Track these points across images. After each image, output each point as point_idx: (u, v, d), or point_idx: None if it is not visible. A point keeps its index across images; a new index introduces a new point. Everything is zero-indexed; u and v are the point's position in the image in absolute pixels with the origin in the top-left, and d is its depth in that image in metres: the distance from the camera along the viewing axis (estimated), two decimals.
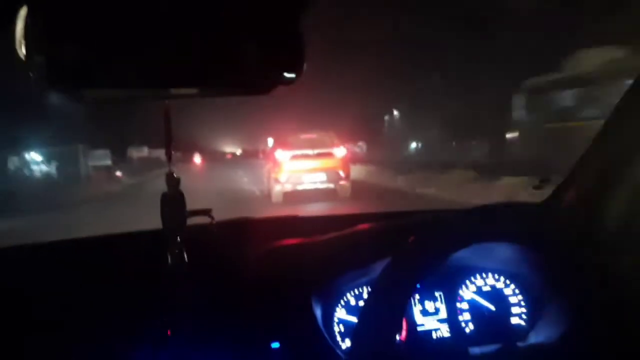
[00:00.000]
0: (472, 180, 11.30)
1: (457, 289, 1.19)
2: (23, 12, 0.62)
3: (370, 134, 32.68)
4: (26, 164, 24.00)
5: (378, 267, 0.87)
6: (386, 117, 34.28)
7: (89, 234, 1.30)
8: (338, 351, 1.04)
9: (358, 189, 11.60)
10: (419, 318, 1.16)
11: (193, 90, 0.76)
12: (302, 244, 1.17)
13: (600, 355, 0.88)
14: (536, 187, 1.51)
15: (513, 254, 1.07)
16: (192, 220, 1.14)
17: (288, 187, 10.58)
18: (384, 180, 15.06)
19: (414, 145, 29.93)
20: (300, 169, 10.57)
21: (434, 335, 1.16)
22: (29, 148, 23.45)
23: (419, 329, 1.16)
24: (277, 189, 10.61)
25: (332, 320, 1.12)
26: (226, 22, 0.67)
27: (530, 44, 13.92)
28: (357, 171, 17.63)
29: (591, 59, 11.72)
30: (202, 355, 0.98)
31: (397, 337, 1.12)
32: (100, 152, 27.53)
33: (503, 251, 1.08)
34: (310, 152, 10.76)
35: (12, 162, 23.20)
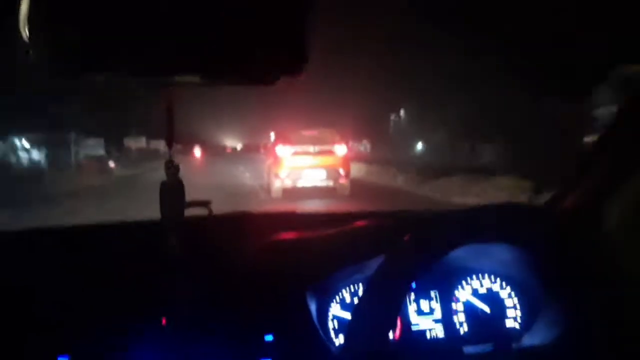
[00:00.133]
0: (531, 191, 8.22)
1: (453, 290, 1.19)
2: None
3: (376, 132, 32.01)
4: (12, 149, 22.06)
5: (374, 264, 0.87)
6: (392, 117, 33.61)
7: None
8: (331, 347, 1.03)
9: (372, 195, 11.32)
10: (413, 317, 1.16)
11: (196, 78, 0.76)
12: (298, 239, 1.17)
13: (595, 355, 0.88)
14: None
15: (510, 255, 1.07)
16: (191, 212, 1.14)
17: (288, 183, 10.59)
18: (406, 186, 13.54)
19: (420, 146, 29.46)
20: (301, 165, 10.58)
21: (428, 335, 1.16)
22: (16, 132, 21.60)
23: (414, 328, 1.16)
24: (277, 184, 10.62)
25: (326, 316, 1.12)
26: (232, 11, 0.67)
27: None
28: (366, 171, 17.31)
29: None
30: (195, 345, 0.98)
31: (391, 336, 1.13)
32: (92, 141, 26.10)
33: (500, 253, 1.08)
34: (311, 148, 10.76)
35: None
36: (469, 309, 1.18)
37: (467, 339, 1.15)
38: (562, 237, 0.94)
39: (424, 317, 1.17)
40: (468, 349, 1.04)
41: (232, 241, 1.15)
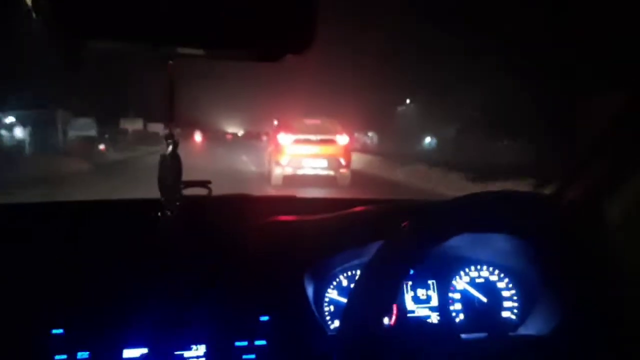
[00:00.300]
0: None
1: (451, 279, 1.19)
2: None
3: (383, 124, 30.79)
4: None
5: (372, 250, 0.86)
6: (401, 107, 32.17)
7: None
8: (327, 330, 1.04)
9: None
10: (410, 305, 1.16)
11: (199, 51, 0.74)
12: (297, 221, 1.17)
13: (592, 350, 0.88)
14: None
15: (510, 246, 1.06)
16: (190, 192, 1.13)
17: (289, 171, 10.60)
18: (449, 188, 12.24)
19: (428, 140, 28.43)
20: (302, 153, 10.58)
21: (423, 322, 1.16)
22: None
23: (410, 315, 1.16)
24: (278, 171, 10.63)
25: (323, 300, 1.13)
26: None
27: None
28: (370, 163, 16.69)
29: None
30: (191, 324, 0.98)
31: (387, 322, 1.13)
32: (83, 121, 23.71)
33: (499, 242, 1.08)
34: (313, 137, 10.76)
35: None
36: (466, 298, 1.18)
37: (463, 327, 1.16)
38: (563, 230, 0.94)
39: (421, 305, 1.17)
40: (463, 337, 1.04)
41: (230, 222, 1.15)
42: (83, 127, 23.71)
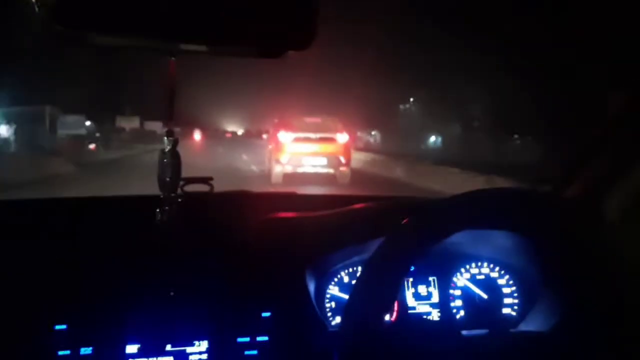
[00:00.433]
0: None
1: (451, 276, 1.19)
2: None
3: (386, 122, 30.04)
4: None
5: (373, 247, 0.86)
6: (405, 105, 31.49)
7: None
8: (328, 326, 1.04)
9: None
10: (411, 301, 1.17)
11: (201, 47, 0.75)
12: (298, 218, 1.17)
13: (592, 347, 0.88)
14: None
15: (510, 243, 1.07)
16: (192, 189, 1.14)
17: (288, 169, 10.62)
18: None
19: (432, 138, 27.71)
20: (302, 151, 10.60)
21: (424, 319, 1.17)
22: None
23: (411, 312, 1.16)
24: (278, 169, 10.65)
25: (324, 296, 1.13)
26: None
27: None
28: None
29: None
30: (192, 320, 0.98)
31: (388, 318, 1.13)
32: (72, 119, 21.88)
33: (499, 239, 1.08)
34: (313, 135, 10.78)
35: None
36: (467, 295, 1.19)
37: (463, 324, 1.16)
38: (564, 227, 0.94)
39: (421, 302, 1.17)
40: (464, 333, 1.05)
41: (232, 218, 1.15)
42: (72, 125, 22.03)
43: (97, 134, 23.84)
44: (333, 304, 1.13)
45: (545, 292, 1.07)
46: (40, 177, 10.18)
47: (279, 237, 1.10)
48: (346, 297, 1.12)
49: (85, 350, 0.92)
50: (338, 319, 1.12)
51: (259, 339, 0.99)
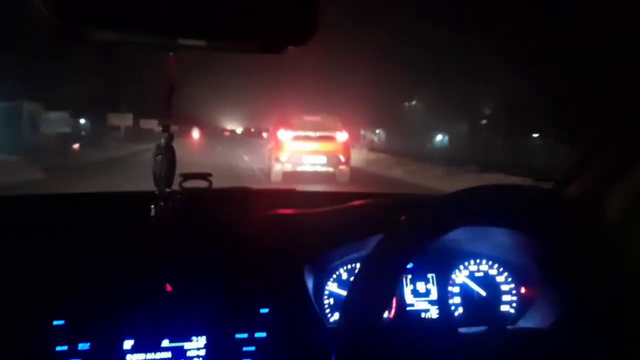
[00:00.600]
0: None
1: (450, 273, 1.19)
2: None
3: (391, 120, 29.19)
4: None
5: (371, 243, 0.86)
6: (410, 103, 30.63)
7: None
8: (326, 323, 1.04)
9: None
10: (409, 298, 1.17)
11: (200, 42, 0.74)
12: (297, 215, 1.17)
13: (590, 345, 0.88)
14: None
15: (510, 240, 1.07)
16: (191, 185, 1.14)
17: (288, 167, 10.65)
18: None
19: (439, 137, 26.82)
20: (302, 150, 10.62)
21: (423, 316, 1.17)
22: None
23: (409, 308, 1.16)
24: (277, 168, 10.67)
25: (322, 293, 1.13)
26: None
27: None
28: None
29: None
30: (190, 316, 0.98)
31: (387, 315, 1.13)
32: (56, 116, 20.22)
33: (499, 237, 1.08)
34: (312, 134, 10.80)
35: None
36: (465, 292, 1.19)
37: (462, 321, 1.16)
38: (564, 225, 0.94)
39: (420, 299, 1.17)
40: (462, 330, 1.05)
41: (231, 214, 1.15)
42: (56, 123, 20.13)
43: (83, 132, 22.32)
44: (331, 301, 1.13)
45: (544, 290, 1.07)
46: None
47: (277, 233, 1.10)
48: (345, 293, 1.12)
49: (83, 346, 0.92)
50: (336, 316, 1.12)
51: (257, 335, 0.99)
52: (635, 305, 0.88)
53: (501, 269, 1.20)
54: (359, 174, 11.74)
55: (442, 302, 1.18)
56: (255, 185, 1.38)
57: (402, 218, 0.84)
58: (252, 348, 0.99)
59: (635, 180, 1.07)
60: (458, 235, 0.91)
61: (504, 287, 1.20)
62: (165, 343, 0.96)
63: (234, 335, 0.98)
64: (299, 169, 10.68)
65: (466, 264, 1.20)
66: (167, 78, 0.96)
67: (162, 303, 0.97)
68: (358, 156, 16.69)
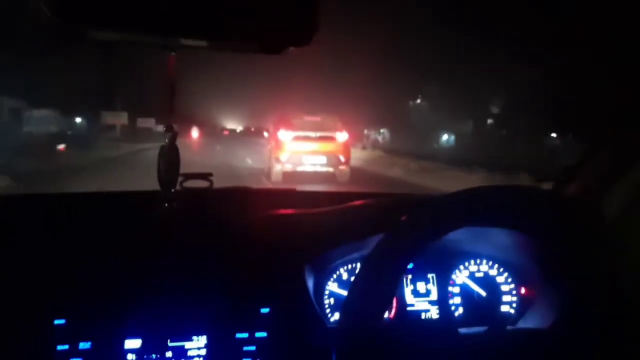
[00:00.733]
0: None
1: (450, 273, 1.20)
2: None
3: (396, 120, 27.99)
4: None
5: (372, 243, 0.86)
6: (417, 102, 29.53)
7: None
8: (327, 322, 1.04)
9: None
10: (409, 298, 1.17)
11: (201, 42, 0.74)
12: (298, 214, 1.17)
13: (590, 345, 0.88)
14: None
15: (510, 240, 1.07)
16: (191, 184, 1.14)
17: (288, 167, 10.65)
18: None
19: (445, 137, 25.96)
20: (302, 150, 10.62)
21: (423, 316, 1.17)
22: None
23: (409, 308, 1.16)
24: (277, 168, 10.67)
25: (323, 292, 1.13)
26: None
27: None
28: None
29: None
30: (191, 315, 0.98)
31: (387, 315, 1.14)
32: (40, 114, 18.72)
33: (499, 237, 1.08)
34: (312, 134, 10.81)
35: None
36: (465, 292, 1.19)
37: (462, 321, 1.16)
38: (564, 225, 0.94)
39: (420, 299, 1.17)
40: (462, 330, 1.05)
41: (231, 214, 1.15)
42: (41, 122, 18.41)
43: (69, 132, 20.00)
44: (332, 301, 1.14)
45: (544, 290, 1.07)
46: None
47: (278, 233, 1.10)
48: (345, 293, 1.12)
49: (84, 345, 0.92)
50: (337, 316, 1.12)
51: (257, 334, 0.99)
52: (635, 305, 0.88)
53: (501, 269, 1.20)
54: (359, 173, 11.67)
55: (442, 302, 1.18)
56: (255, 186, 1.38)
57: (403, 218, 0.84)
58: (253, 348, 0.99)
59: (635, 180, 1.08)
60: (458, 236, 0.91)
61: (504, 288, 1.20)
62: (166, 343, 0.96)
63: (234, 335, 0.98)
64: (299, 169, 10.68)
65: (466, 264, 1.20)
66: (168, 77, 0.96)
67: (162, 303, 0.97)
68: (361, 155, 16.29)
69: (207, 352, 0.97)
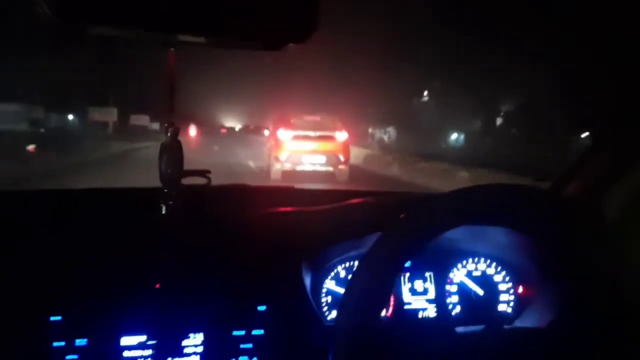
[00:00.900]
0: None
1: (448, 272, 1.19)
2: None
3: (403, 118, 26.79)
4: None
5: (370, 241, 0.86)
6: (425, 99, 28.26)
7: None
8: (324, 320, 1.04)
9: None
10: (407, 296, 1.17)
11: (200, 38, 0.74)
12: (296, 212, 1.17)
13: (588, 345, 0.88)
14: None
15: (508, 239, 1.06)
16: (190, 181, 1.13)
17: (287, 166, 10.67)
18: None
19: (454, 136, 24.89)
20: (301, 149, 10.64)
21: (420, 315, 1.17)
22: None
23: (406, 307, 1.16)
24: (277, 167, 10.70)
25: (320, 290, 1.13)
26: None
27: None
28: None
29: None
30: (188, 312, 0.98)
31: (384, 313, 1.13)
32: (3, 108, 16.53)
33: (497, 236, 1.08)
34: (312, 133, 10.83)
35: None
36: (463, 291, 1.19)
37: (459, 320, 1.16)
38: (563, 225, 0.93)
39: (417, 297, 1.17)
40: (459, 329, 1.04)
41: (229, 211, 1.15)
42: (5, 118, 16.23)
43: (42, 130, 17.73)
44: (329, 299, 1.13)
45: (541, 289, 1.07)
46: None
47: (275, 231, 1.10)
48: (342, 291, 1.12)
49: (80, 342, 0.92)
50: (334, 314, 1.12)
51: (254, 332, 0.99)
52: (634, 305, 0.88)
53: (499, 268, 1.20)
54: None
55: (439, 300, 1.18)
56: (254, 183, 1.38)
57: (401, 216, 0.83)
58: (250, 345, 0.98)
59: (635, 180, 1.07)
60: (456, 234, 0.91)
61: (502, 287, 1.20)
62: (163, 340, 0.96)
63: (231, 333, 0.98)
64: (299, 168, 10.70)
65: (464, 263, 1.20)
66: (168, 74, 0.95)
67: (159, 300, 0.97)
68: (363, 155, 15.97)
69: (204, 349, 0.97)
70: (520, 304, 1.17)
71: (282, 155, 10.63)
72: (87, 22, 0.68)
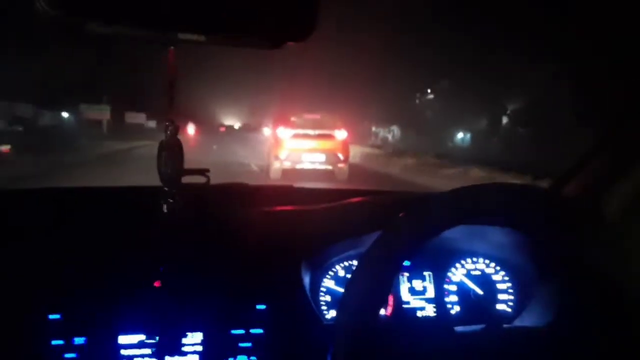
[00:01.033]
0: None
1: (447, 271, 1.19)
2: None
3: (407, 116, 26.19)
4: None
5: (369, 241, 0.86)
6: (430, 97, 27.45)
7: None
8: (323, 320, 1.04)
9: None
10: (406, 296, 1.17)
11: (200, 37, 0.74)
12: (295, 211, 1.17)
13: (588, 344, 0.88)
14: None
15: (507, 239, 1.06)
16: (188, 180, 1.13)
17: (287, 165, 10.68)
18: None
19: (460, 135, 24.16)
20: (301, 148, 10.65)
21: (419, 314, 1.17)
22: None
23: (406, 306, 1.16)
24: (276, 165, 10.71)
25: (319, 290, 1.13)
26: None
27: None
28: None
29: None
30: (187, 311, 0.98)
31: (383, 312, 1.13)
32: None
33: (496, 235, 1.08)
34: (311, 132, 10.84)
35: None
36: (462, 290, 1.19)
37: (458, 319, 1.16)
38: (562, 224, 0.93)
39: (416, 297, 1.17)
40: (458, 329, 1.04)
41: (229, 210, 1.14)
42: None
43: (21, 128, 16.76)
44: (328, 298, 1.13)
45: (541, 289, 1.06)
46: None
47: (275, 230, 1.10)
48: (341, 290, 1.12)
49: (79, 340, 0.92)
50: (333, 313, 1.12)
51: (253, 331, 0.99)
52: (634, 305, 0.88)
53: (498, 268, 1.20)
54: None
55: (438, 300, 1.17)
56: (253, 183, 1.38)
57: (400, 215, 0.83)
58: (249, 344, 0.98)
59: (635, 180, 1.07)
60: (455, 234, 0.91)
61: (501, 286, 1.20)
62: (161, 339, 0.96)
63: (230, 331, 0.98)
64: (298, 166, 10.71)
65: (463, 262, 1.20)
66: (168, 72, 0.95)
67: (158, 299, 0.97)
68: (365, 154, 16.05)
69: (203, 348, 0.97)
70: (520, 303, 1.17)
71: (282, 154, 10.64)
72: (88, 21, 0.68)
